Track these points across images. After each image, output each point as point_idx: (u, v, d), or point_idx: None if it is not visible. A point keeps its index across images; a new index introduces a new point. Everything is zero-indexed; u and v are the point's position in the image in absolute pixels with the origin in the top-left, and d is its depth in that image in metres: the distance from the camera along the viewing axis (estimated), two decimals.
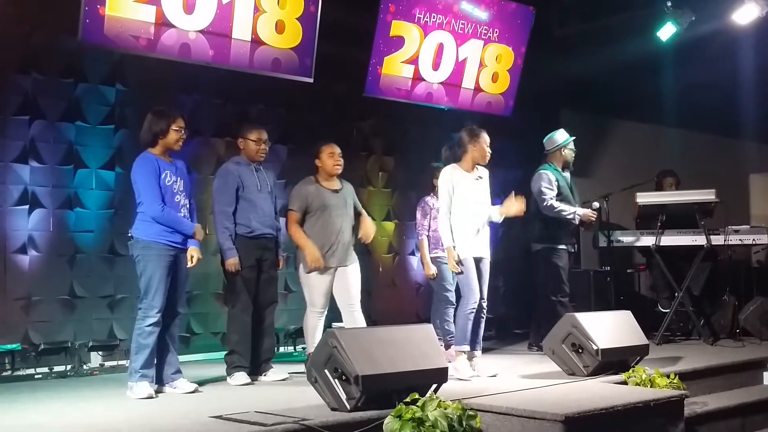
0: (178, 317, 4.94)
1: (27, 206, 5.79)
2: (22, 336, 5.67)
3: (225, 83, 6.63)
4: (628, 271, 8.01)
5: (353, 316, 5.37)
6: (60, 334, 5.83)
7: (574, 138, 6.69)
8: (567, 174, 6.72)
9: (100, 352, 5.92)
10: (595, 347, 5.04)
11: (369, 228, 5.57)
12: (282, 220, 5.75)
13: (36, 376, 5.57)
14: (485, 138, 5.50)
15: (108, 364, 5.89)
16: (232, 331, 5.27)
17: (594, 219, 6.55)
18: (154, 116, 4.89)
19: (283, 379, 5.27)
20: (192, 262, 4.87)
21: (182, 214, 4.87)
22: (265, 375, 5.30)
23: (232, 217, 5.26)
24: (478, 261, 5.39)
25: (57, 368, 5.68)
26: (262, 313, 5.35)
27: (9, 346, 5.52)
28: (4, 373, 5.51)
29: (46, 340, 5.74)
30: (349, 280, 5.46)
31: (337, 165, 5.50)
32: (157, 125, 4.86)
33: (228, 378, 5.20)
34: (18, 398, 4.76)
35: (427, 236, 6.39)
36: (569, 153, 6.70)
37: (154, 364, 4.79)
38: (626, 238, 7.31)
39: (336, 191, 5.51)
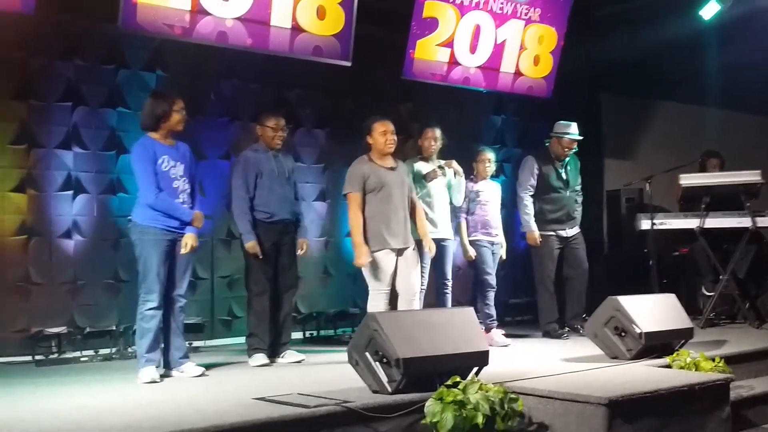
0: (182, 302, 4.92)
1: (71, 191, 5.87)
2: (68, 319, 5.77)
3: (263, 68, 6.64)
4: (672, 254, 7.89)
5: (411, 305, 5.26)
6: (105, 317, 5.92)
7: (568, 135, 6.58)
8: (561, 163, 6.64)
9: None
10: (638, 330, 4.97)
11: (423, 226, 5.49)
12: (302, 204, 5.78)
13: (82, 359, 5.68)
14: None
15: None
16: (251, 314, 5.39)
17: (535, 244, 6.58)
18: (155, 99, 4.93)
19: (299, 361, 5.38)
20: (186, 249, 4.84)
21: (181, 200, 4.87)
22: (282, 357, 5.40)
23: (250, 203, 5.35)
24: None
25: (102, 351, 5.78)
26: (281, 298, 5.43)
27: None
28: (51, 356, 5.62)
29: (92, 323, 5.84)
30: (409, 266, 5.29)
31: (390, 143, 5.32)
32: (159, 107, 4.88)
33: (248, 359, 5.31)
34: (65, 380, 4.85)
35: (466, 219, 6.37)
36: (560, 149, 6.62)
37: (160, 348, 4.82)
38: (669, 221, 7.21)
39: (392, 169, 5.35)
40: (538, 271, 6.65)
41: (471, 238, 6.33)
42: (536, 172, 6.61)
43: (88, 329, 5.80)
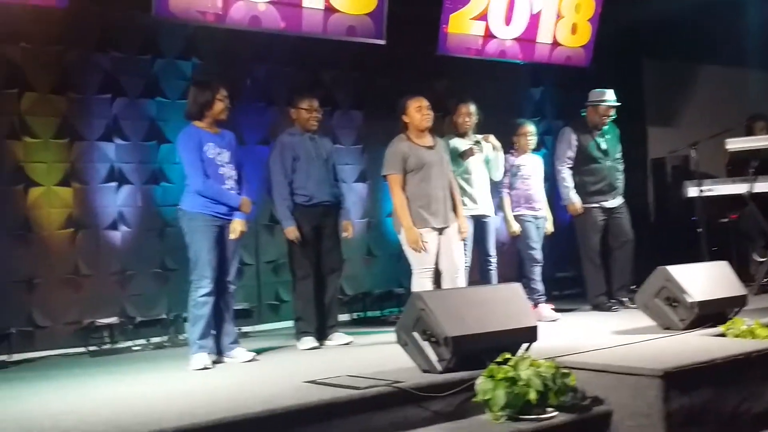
0: (233, 288, 4.95)
1: (115, 183, 5.94)
2: (119, 310, 5.85)
3: (297, 50, 6.63)
4: (722, 221, 7.73)
5: (455, 283, 5.23)
6: (155, 306, 6.00)
7: (605, 102, 6.45)
8: (600, 132, 6.52)
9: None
10: (690, 300, 4.88)
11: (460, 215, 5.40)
12: (343, 186, 5.75)
13: (134, 348, 5.76)
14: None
15: None
16: (297, 298, 5.42)
17: (576, 214, 6.51)
18: (198, 88, 4.92)
19: (347, 343, 5.36)
20: (235, 234, 4.84)
21: (228, 186, 4.87)
22: (330, 339, 5.40)
23: (289, 188, 5.34)
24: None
25: (154, 340, 5.86)
26: (325, 281, 5.44)
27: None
28: (104, 346, 5.71)
29: (142, 313, 5.92)
30: (452, 245, 5.24)
31: (426, 117, 5.26)
32: (202, 96, 4.87)
33: (297, 343, 5.33)
34: (118, 370, 4.91)
35: (509, 194, 6.31)
36: (597, 117, 6.49)
37: (212, 334, 4.84)
38: (717, 187, 7.07)
39: (431, 147, 5.29)
40: (582, 244, 6.57)
41: (514, 213, 6.27)
42: (574, 143, 6.51)
43: (139, 319, 5.88)
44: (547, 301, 6.32)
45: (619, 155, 6.66)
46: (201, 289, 4.76)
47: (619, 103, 6.53)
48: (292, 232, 5.31)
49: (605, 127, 6.56)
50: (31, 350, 5.52)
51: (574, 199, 6.46)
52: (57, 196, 5.72)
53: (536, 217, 6.32)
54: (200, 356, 4.72)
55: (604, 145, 6.54)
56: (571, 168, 6.50)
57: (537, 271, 6.24)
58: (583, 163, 6.51)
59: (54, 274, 5.67)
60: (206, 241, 4.77)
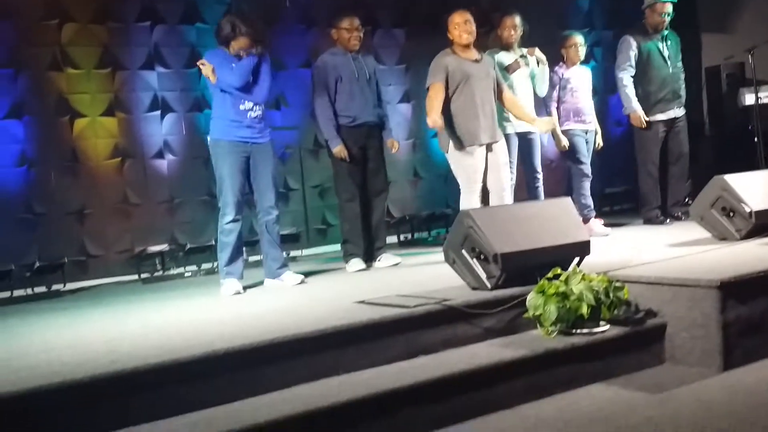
0: (274, 213, 4.87)
1: (159, 111, 5.93)
2: (169, 237, 5.92)
3: None
4: None
5: (502, 200, 5.14)
6: (204, 233, 6.05)
7: (660, 1, 6.16)
8: (660, 36, 6.25)
9: (244, 247, 6.10)
10: (747, 209, 4.73)
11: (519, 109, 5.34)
12: (387, 107, 5.64)
13: (186, 275, 5.84)
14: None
15: (251, 259, 6.07)
16: (343, 220, 5.40)
17: (640, 125, 6.27)
18: (222, 22, 4.83)
19: (396, 264, 5.34)
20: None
21: (243, 108, 4.77)
22: (378, 261, 5.39)
23: (332, 107, 5.25)
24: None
25: (204, 265, 5.93)
26: (372, 202, 5.40)
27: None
28: (156, 273, 5.80)
29: (192, 239, 5.98)
30: (499, 161, 5.15)
31: (468, 34, 5.10)
32: (222, 31, 4.80)
33: (346, 265, 5.33)
34: (170, 296, 4.98)
35: (557, 108, 6.14)
36: (656, 17, 6.21)
37: (242, 260, 4.87)
38: None
39: (476, 61, 5.16)
40: (641, 156, 6.37)
41: (563, 128, 6.10)
42: (635, 51, 6.27)
43: (188, 245, 5.94)
44: (597, 216, 6.20)
45: (680, 63, 6.42)
46: (226, 216, 4.75)
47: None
48: (341, 150, 5.24)
49: (666, 32, 6.30)
50: (85, 279, 5.64)
51: (636, 108, 6.25)
52: (102, 126, 5.75)
53: (586, 131, 6.15)
54: (229, 282, 4.75)
55: (666, 51, 6.30)
56: (633, 77, 6.28)
57: (586, 186, 6.11)
58: (646, 70, 6.28)
59: (104, 204, 5.75)
60: (228, 165, 4.73)
